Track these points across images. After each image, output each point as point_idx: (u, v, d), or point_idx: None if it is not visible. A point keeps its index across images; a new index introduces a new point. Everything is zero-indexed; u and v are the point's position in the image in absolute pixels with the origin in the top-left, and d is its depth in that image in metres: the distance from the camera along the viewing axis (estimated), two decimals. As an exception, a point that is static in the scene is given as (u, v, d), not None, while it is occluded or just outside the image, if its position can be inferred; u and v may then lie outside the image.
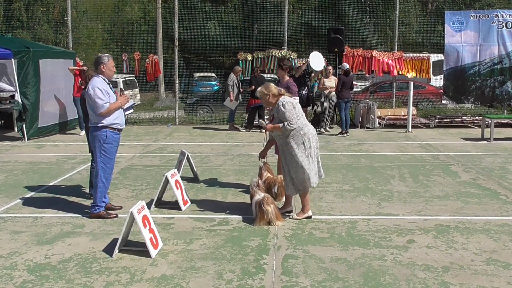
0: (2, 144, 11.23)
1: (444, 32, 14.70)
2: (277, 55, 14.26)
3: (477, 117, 13.94)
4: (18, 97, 11.31)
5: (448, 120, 13.84)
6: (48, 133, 12.29)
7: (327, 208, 6.21)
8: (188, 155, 7.51)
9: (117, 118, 5.74)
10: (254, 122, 13.02)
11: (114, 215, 5.87)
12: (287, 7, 14.80)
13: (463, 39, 14.27)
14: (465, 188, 7.16)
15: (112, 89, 5.84)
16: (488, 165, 8.70)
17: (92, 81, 5.70)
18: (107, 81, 5.77)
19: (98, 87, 5.59)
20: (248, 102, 13.12)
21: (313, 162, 5.60)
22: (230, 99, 12.99)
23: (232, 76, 13.22)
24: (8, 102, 12.31)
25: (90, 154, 6.51)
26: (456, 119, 13.88)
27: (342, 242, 5.03)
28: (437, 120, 13.78)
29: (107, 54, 5.94)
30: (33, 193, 7.03)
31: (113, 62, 5.85)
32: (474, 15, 14.30)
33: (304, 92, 12.09)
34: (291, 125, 5.44)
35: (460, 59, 14.29)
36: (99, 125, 5.65)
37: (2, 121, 13.47)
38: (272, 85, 5.68)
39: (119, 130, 5.83)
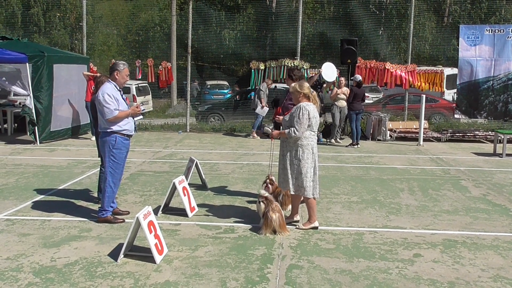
0: (15, 147, 11.39)
1: (458, 46, 14.63)
2: (290, 65, 14.30)
3: (489, 132, 13.79)
4: (31, 101, 11.47)
5: (460, 134, 13.71)
6: (60, 137, 12.43)
7: (334, 219, 6.18)
8: (196, 162, 7.54)
9: (127, 124, 5.78)
10: (261, 130, 13.12)
11: (121, 220, 5.90)
12: (301, 17, 14.86)
13: (478, 54, 14.18)
14: (474, 203, 7.07)
15: (123, 96, 5.88)
16: (500, 181, 8.60)
17: (103, 86, 5.75)
18: (118, 87, 5.81)
19: (108, 93, 5.62)
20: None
21: (315, 175, 5.63)
22: (261, 105, 13.23)
23: (264, 84, 13.50)
24: (22, 106, 12.49)
25: (100, 159, 6.58)
26: (469, 134, 13.74)
27: (347, 254, 4.99)
28: (449, 134, 13.66)
29: (123, 62, 5.96)
30: (42, 196, 7.10)
31: (128, 70, 5.89)
32: (489, 30, 14.21)
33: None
34: (296, 133, 5.46)
35: (474, 74, 14.19)
36: (109, 130, 5.70)
37: (16, 124, 13.67)
38: (306, 85, 5.67)
39: (129, 136, 5.87)
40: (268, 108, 13.52)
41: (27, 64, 11.35)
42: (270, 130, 5.83)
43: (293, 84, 5.74)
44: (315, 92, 5.78)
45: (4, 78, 12.59)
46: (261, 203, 5.68)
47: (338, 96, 12.76)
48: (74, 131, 13.01)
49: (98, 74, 10.66)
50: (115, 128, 5.69)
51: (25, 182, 7.93)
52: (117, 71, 5.76)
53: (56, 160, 9.79)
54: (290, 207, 6.17)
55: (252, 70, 14.61)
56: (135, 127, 5.99)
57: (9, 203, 6.66)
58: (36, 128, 11.60)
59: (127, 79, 5.92)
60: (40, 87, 11.60)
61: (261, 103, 13.30)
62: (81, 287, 4.17)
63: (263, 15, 19.55)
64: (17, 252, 4.93)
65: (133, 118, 5.94)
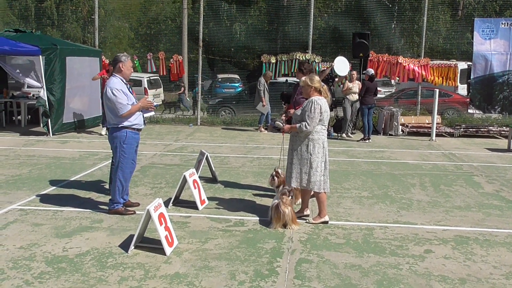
0: (28, 138, 11.51)
1: (473, 39, 14.43)
2: (301, 59, 14.23)
3: (504, 127, 13.60)
4: (44, 93, 11.57)
5: (474, 129, 13.55)
6: (72, 129, 12.53)
7: (344, 214, 6.16)
8: (207, 155, 7.55)
9: (136, 119, 5.75)
10: (272, 124, 13.08)
11: (132, 212, 5.94)
12: (312, 11, 14.75)
13: (493, 47, 13.98)
14: (487, 199, 7.00)
15: (130, 89, 5.84)
16: (513, 177, 8.49)
17: (110, 82, 5.65)
18: (125, 81, 5.74)
19: (117, 88, 5.55)
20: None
21: (326, 169, 5.62)
22: (262, 104, 13.13)
23: (262, 80, 13.38)
24: (35, 98, 12.58)
25: (111, 151, 6.63)
26: (482, 129, 13.57)
27: (357, 249, 4.97)
28: (462, 130, 13.51)
29: (125, 54, 5.89)
30: (55, 187, 7.17)
31: (131, 62, 5.83)
32: (504, 23, 14.00)
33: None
34: (307, 127, 5.43)
35: (488, 68, 14.00)
36: (120, 125, 5.66)
37: (29, 116, 13.80)
38: (316, 78, 5.64)
39: (139, 130, 5.85)
40: (269, 107, 13.39)
41: (40, 56, 11.44)
42: (282, 124, 5.80)
43: (303, 78, 5.70)
44: (326, 86, 5.75)
45: (18, 70, 12.71)
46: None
47: (350, 90, 12.67)
48: (86, 123, 13.09)
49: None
50: (125, 123, 5.66)
51: (38, 173, 8.02)
52: (121, 62, 5.66)
53: (69, 152, 9.88)
54: (299, 201, 6.16)
55: (263, 64, 14.57)
56: (144, 121, 5.97)
57: (22, 194, 6.74)
58: (49, 120, 11.72)
59: (132, 71, 5.86)
60: (53, 80, 11.70)
61: (261, 100, 13.20)
62: (92, 277, 4.21)
63: (275, 9, 19.44)
64: (30, 241, 4.99)
65: (143, 114, 5.91)
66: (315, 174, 5.53)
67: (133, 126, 5.74)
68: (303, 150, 5.56)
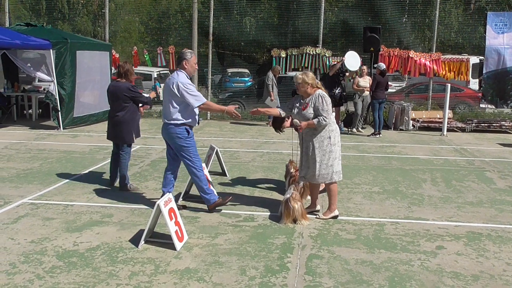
0: (39, 132, 11.58)
1: (485, 33, 14.24)
2: (312, 53, 14.15)
3: (516, 122, 13.44)
4: (54, 87, 11.62)
5: (486, 124, 13.41)
6: (83, 123, 12.58)
7: (355, 210, 6.12)
8: (217, 150, 7.55)
9: (192, 117, 5.69)
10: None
11: (229, 198, 6.00)
12: (323, 4, 14.65)
13: (506, 41, 13.78)
14: (500, 195, 6.91)
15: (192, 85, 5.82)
16: (526, 172, 8.38)
17: (179, 77, 5.58)
18: (189, 77, 5.70)
19: (188, 82, 5.54)
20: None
21: (339, 159, 5.65)
22: (271, 98, 13.07)
23: (270, 75, 13.30)
24: (45, 91, 12.66)
25: (112, 143, 6.69)
26: (494, 124, 13.42)
27: (368, 245, 4.94)
28: (474, 124, 13.36)
29: (190, 51, 5.82)
30: (65, 181, 7.20)
31: (196, 58, 5.81)
32: (518, 17, 13.77)
33: (337, 91, 12.02)
34: (326, 120, 5.44)
35: (501, 62, 13.80)
36: (179, 122, 5.59)
37: (40, 110, 13.89)
38: (311, 75, 5.64)
39: (191, 127, 5.77)
40: (278, 102, 13.33)
41: (51, 50, 11.49)
42: (299, 122, 5.71)
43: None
44: (320, 82, 5.77)
45: (29, 64, 12.78)
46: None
47: (358, 88, 12.60)
48: (96, 117, 13.14)
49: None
50: (185, 120, 5.59)
51: (49, 167, 8.06)
52: (185, 60, 5.63)
53: (79, 146, 9.93)
54: (308, 197, 6.13)
55: (273, 58, 14.51)
56: (198, 119, 5.88)
57: (33, 188, 6.79)
58: (59, 114, 11.78)
59: (196, 67, 5.81)
60: (64, 74, 11.75)
61: (270, 96, 13.14)
62: (103, 271, 4.22)
63: (285, 2, 19.29)
64: (41, 235, 5.02)
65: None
66: (338, 164, 5.61)
67: (190, 123, 5.68)
68: (326, 144, 5.53)
